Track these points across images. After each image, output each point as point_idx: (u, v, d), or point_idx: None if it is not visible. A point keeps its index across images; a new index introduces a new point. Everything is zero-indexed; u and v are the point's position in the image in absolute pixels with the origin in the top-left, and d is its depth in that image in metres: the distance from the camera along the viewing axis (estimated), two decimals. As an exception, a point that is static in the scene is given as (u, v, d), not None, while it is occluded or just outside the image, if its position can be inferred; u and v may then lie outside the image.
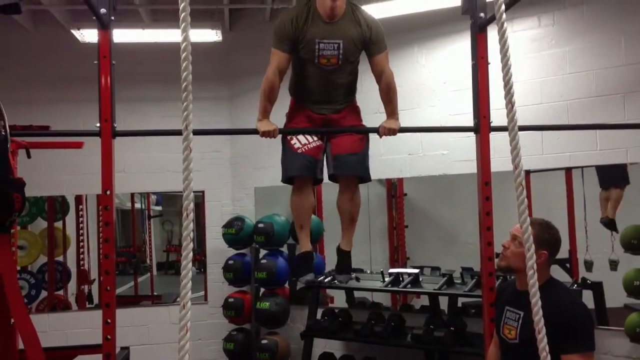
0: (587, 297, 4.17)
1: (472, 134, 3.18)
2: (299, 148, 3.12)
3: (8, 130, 1.78)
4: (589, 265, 4.42)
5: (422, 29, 5.14)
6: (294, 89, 3.30)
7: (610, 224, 4.31)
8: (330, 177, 3.30)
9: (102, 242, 2.74)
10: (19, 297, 2.04)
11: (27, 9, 5.57)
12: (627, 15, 4.23)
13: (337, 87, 3.15)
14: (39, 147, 3.83)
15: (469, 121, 3.22)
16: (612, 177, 4.36)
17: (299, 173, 3.15)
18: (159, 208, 9.96)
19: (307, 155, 3.12)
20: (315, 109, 3.20)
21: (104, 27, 2.75)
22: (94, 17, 2.72)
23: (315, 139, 3.16)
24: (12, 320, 2.29)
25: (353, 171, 3.19)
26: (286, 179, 3.22)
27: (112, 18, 2.77)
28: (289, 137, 3.18)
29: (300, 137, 3.15)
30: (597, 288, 4.27)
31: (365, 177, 3.24)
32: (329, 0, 2.88)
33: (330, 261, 5.35)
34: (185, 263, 1.16)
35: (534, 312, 1.18)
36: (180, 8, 1.21)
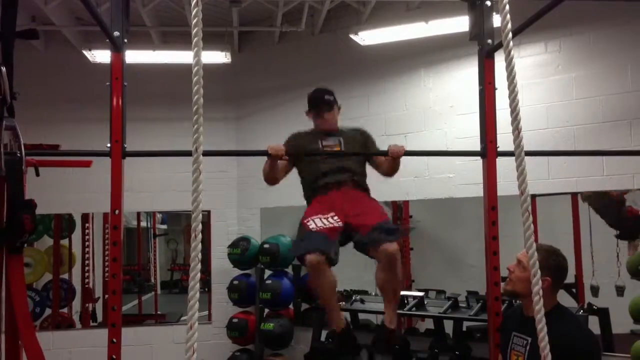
0: (593, 323, 4.13)
1: (478, 157, 3.20)
2: (313, 228, 2.94)
3: (24, 152, 1.80)
4: (595, 291, 4.39)
5: (429, 53, 5.18)
6: (307, 188, 3.31)
7: None
8: (360, 248, 3.10)
9: (110, 261, 2.74)
10: (28, 318, 2.05)
11: (39, 30, 5.64)
12: (633, 42, 4.26)
13: (344, 168, 3.20)
14: (48, 165, 3.85)
15: (475, 144, 3.22)
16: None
17: (310, 249, 2.87)
18: (165, 227, 9.96)
19: (320, 233, 2.91)
20: (328, 179, 3.17)
21: (117, 50, 2.77)
22: (107, 40, 2.75)
23: (335, 220, 2.98)
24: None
25: (389, 238, 2.93)
26: (298, 258, 3.05)
27: (125, 41, 2.80)
28: (304, 220, 3.04)
29: (317, 220, 2.98)
30: (603, 314, 4.24)
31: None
32: (318, 119, 3.24)
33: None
34: (192, 284, 1.17)
35: (540, 338, 1.18)
36: (193, 33, 1.24)
